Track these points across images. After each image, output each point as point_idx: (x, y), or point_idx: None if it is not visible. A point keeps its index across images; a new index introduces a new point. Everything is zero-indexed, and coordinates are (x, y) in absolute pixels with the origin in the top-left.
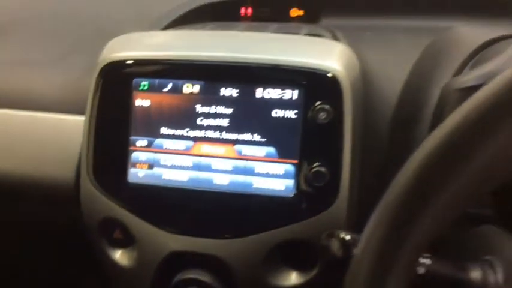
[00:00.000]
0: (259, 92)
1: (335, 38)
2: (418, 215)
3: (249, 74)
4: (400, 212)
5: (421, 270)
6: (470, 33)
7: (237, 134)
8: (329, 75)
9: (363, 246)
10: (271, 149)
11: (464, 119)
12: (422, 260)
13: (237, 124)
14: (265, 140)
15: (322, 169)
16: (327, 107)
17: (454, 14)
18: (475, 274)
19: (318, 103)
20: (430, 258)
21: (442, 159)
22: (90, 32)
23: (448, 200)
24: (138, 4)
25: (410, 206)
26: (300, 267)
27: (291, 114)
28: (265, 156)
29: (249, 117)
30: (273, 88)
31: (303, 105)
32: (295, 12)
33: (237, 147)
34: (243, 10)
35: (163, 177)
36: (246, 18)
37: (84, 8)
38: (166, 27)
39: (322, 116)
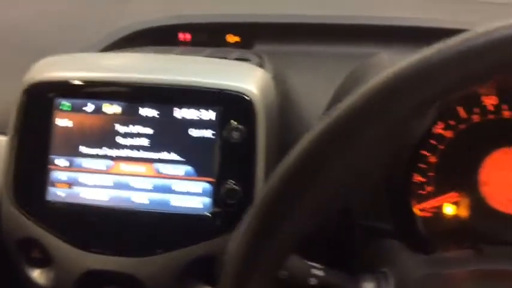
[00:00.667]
0: (177, 112)
1: (261, 62)
2: (278, 220)
3: (167, 95)
4: (262, 217)
5: (314, 282)
6: (392, 59)
7: (156, 153)
8: (244, 97)
9: (231, 249)
10: (189, 168)
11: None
12: (315, 272)
13: (156, 143)
14: (183, 158)
15: (236, 187)
16: (240, 127)
17: (378, 40)
18: (368, 286)
19: (232, 123)
20: (323, 270)
21: (300, 170)
22: (30, 52)
23: (307, 206)
24: (79, 26)
25: (272, 211)
26: (215, 284)
27: (207, 133)
28: (183, 175)
29: (168, 137)
30: (190, 108)
31: (218, 125)
32: (231, 38)
33: (156, 165)
34: (181, 35)
35: (82, 196)
36: (184, 43)
37: (25, 28)
38: (104, 50)
39: (236, 135)
